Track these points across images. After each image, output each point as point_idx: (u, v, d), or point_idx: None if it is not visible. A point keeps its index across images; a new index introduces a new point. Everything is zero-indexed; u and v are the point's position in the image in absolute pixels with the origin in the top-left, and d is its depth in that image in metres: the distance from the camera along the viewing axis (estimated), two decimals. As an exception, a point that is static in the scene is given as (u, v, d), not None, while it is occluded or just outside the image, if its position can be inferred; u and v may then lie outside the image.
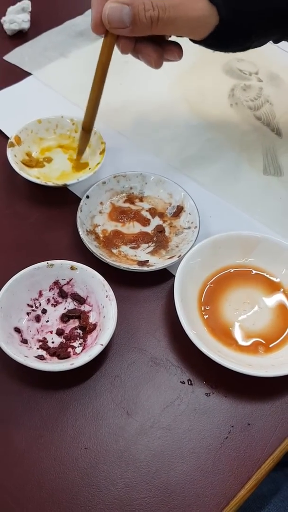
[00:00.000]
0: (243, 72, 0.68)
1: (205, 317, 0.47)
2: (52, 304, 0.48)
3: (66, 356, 0.45)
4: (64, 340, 0.46)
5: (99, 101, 0.50)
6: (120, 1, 0.43)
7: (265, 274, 0.49)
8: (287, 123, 0.63)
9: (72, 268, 0.47)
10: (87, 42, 0.70)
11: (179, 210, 0.54)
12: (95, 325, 0.46)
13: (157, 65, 0.48)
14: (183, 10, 0.43)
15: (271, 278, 0.49)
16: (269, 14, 0.45)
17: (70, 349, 0.45)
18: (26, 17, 0.70)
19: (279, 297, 0.48)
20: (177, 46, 0.49)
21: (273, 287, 0.49)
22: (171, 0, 0.43)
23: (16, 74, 0.66)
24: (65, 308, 0.48)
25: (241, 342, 0.46)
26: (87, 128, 0.52)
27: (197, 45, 0.71)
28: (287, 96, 0.66)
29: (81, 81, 0.66)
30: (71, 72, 0.67)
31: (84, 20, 0.73)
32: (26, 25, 0.70)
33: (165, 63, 0.69)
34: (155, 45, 0.47)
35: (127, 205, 0.55)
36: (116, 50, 0.69)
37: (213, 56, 0.70)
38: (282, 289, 0.48)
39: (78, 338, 0.46)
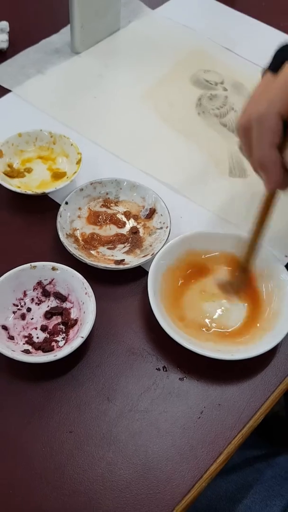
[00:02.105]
0: (209, 82, 0.73)
1: (177, 308, 0.51)
2: (36, 303, 0.52)
3: (50, 349, 0.49)
4: (48, 335, 0.50)
5: (260, 242, 0.50)
6: None
7: (230, 267, 0.54)
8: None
9: (53, 268, 0.51)
10: (62, 59, 0.74)
11: (151, 212, 0.58)
12: (76, 320, 0.50)
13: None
14: None
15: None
16: None
17: (53, 343, 0.49)
18: (5, 37, 0.74)
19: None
20: None
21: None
22: None
23: (-3, 91, 0.70)
24: (48, 306, 0.51)
25: (210, 330, 0.50)
26: (246, 269, 0.52)
27: (166, 60, 0.76)
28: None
29: (58, 95, 0.70)
30: (48, 88, 0.71)
31: (59, 38, 0.77)
32: (4, 45, 0.74)
33: (135, 75, 0.74)
34: None
35: (103, 209, 0.59)
36: (91, 67, 0.74)
37: (181, 69, 0.75)
38: (244, 279, 0.53)
39: (61, 333, 0.50)
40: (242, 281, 0.52)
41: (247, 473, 0.63)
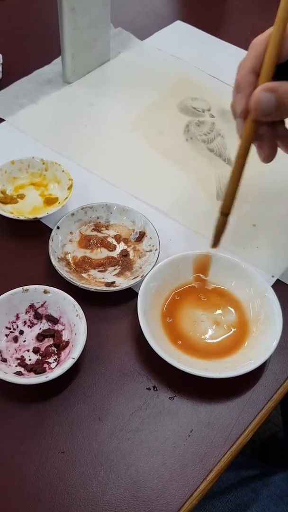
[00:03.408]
0: (196, 109, 0.75)
1: (167, 329, 0.52)
2: (28, 326, 0.53)
3: (42, 371, 0.49)
4: (40, 357, 0.51)
5: (239, 186, 0.49)
6: (269, 88, 0.43)
7: (217, 286, 0.55)
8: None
9: (45, 292, 0.53)
10: (54, 89, 0.77)
11: (141, 235, 0.60)
12: (67, 342, 0.51)
13: (266, 161, 0.50)
14: None
15: (223, 290, 0.55)
16: None
17: (46, 365, 0.50)
18: (-2, 68, 0.77)
19: (228, 305, 0.54)
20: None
21: (224, 297, 0.55)
22: None
23: (-10, 121, 0.73)
24: (40, 328, 0.53)
25: (199, 348, 0.51)
26: (227, 211, 0.50)
27: (155, 88, 0.79)
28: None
29: (50, 124, 0.73)
30: (40, 117, 0.73)
31: (51, 69, 0.79)
32: (-2, 76, 0.77)
33: (124, 104, 0.77)
34: (272, 142, 0.49)
35: (94, 233, 0.60)
36: (82, 96, 0.77)
37: (169, 97, 0.77)
38: (230, 298, 0.55)
39: (53, 355, 0.51)
40: (223, 225, 0.52)
41: (243, 493, 0.63)
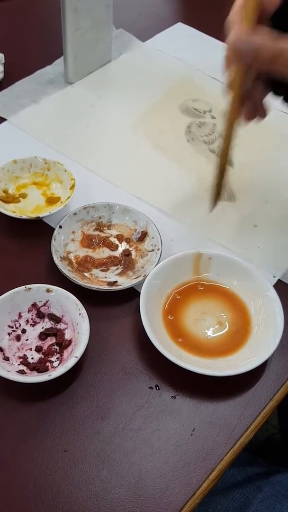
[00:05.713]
0: (198, 110, 0.75)
1: (168, 326, 0.53)
2: (31, 324, 0.53)
3: (45, 370, 0.49)
4: (42, 356, 0.51)
5: (229, 160, 0.53)
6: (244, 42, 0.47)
7: (219, 285, 0.56)
8: (238, 154, 0.70)
9: (48, 290, 0.53)
10: (56, 89, 0.77)
11: (143, 235, 0.60)
12: (70, 341, 0.51)
13: (247, 120, 0.54)
14: None
15: (224, 289, 0.55)
16: None
17: (48, 364, 0.50)
18: (0, 68, 0.77)
19: (230, 305, 0.54)
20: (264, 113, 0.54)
21: (226, 296, 0.55)
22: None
23: (-8, 120, 0.73)
24: (42, 327, 0.53)
25: (201, 347, 0.52)
26: (218, 193, 0.55)
27: (156, 90, 0.79)
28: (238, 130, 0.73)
29: (52, 124, 0.73)
30: (42, 117, 0.73)
31: (53, 69, 0.80)
32: (0, 76, 0.77)
33: (126, 104, 0.77)
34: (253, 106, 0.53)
35: (96, 232, 0.61)
36: (83, 97, 0.77)
37: (170, 98, 0.78)
38: (232, 297, 0.55)
39: (55, 354, 0.51)
40: (216, 200, 0.55)
41: (248, 491, 0.63)
